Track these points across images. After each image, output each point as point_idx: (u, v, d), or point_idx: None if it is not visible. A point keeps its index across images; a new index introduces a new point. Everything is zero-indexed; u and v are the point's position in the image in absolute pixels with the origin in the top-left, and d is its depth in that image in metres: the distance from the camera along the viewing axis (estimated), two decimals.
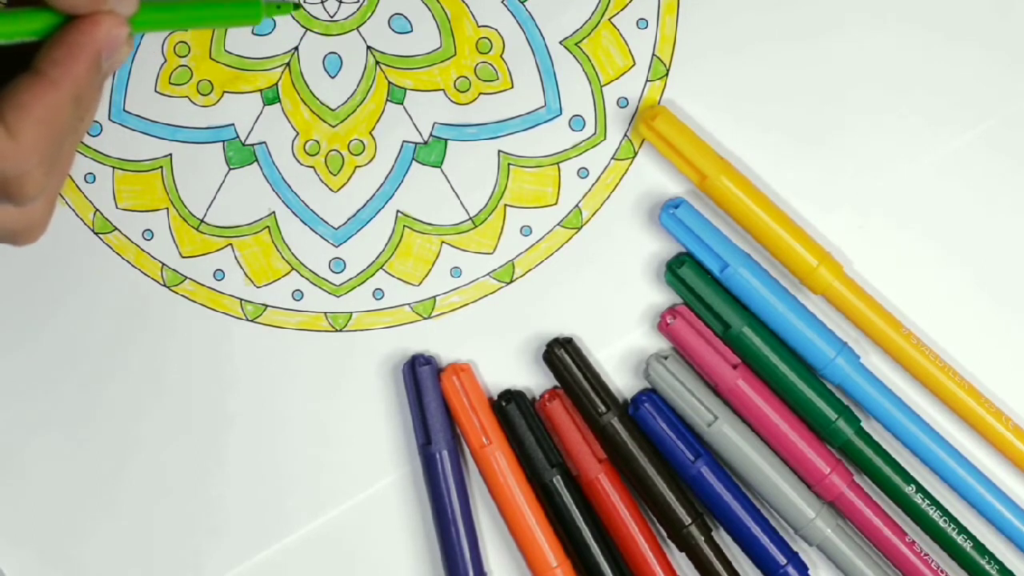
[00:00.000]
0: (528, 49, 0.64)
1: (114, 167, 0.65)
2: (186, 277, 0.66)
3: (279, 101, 0.65)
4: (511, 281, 0.65)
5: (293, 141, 0.65)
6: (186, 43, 0.65)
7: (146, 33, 0.63)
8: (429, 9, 0.64)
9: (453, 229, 0.65)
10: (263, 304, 0.66)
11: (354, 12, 0.64)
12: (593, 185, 0.65)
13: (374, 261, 0.65)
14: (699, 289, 0.63)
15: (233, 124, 0.65)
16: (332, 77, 0.65)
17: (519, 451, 0.64)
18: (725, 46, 0.64)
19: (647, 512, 0.65)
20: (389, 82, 0.65)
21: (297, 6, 0.63)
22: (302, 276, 0.66)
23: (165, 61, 0.65)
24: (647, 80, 0.64)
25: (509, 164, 0.65)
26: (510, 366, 0.65)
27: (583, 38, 0.64)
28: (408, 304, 0.65)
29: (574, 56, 0.64)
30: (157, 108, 0.65)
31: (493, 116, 0.64)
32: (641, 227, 0.65)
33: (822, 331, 0.63)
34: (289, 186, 0.65)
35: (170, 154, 0.65)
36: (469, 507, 0.65)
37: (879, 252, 0.64)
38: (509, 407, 0.64)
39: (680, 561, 0.65)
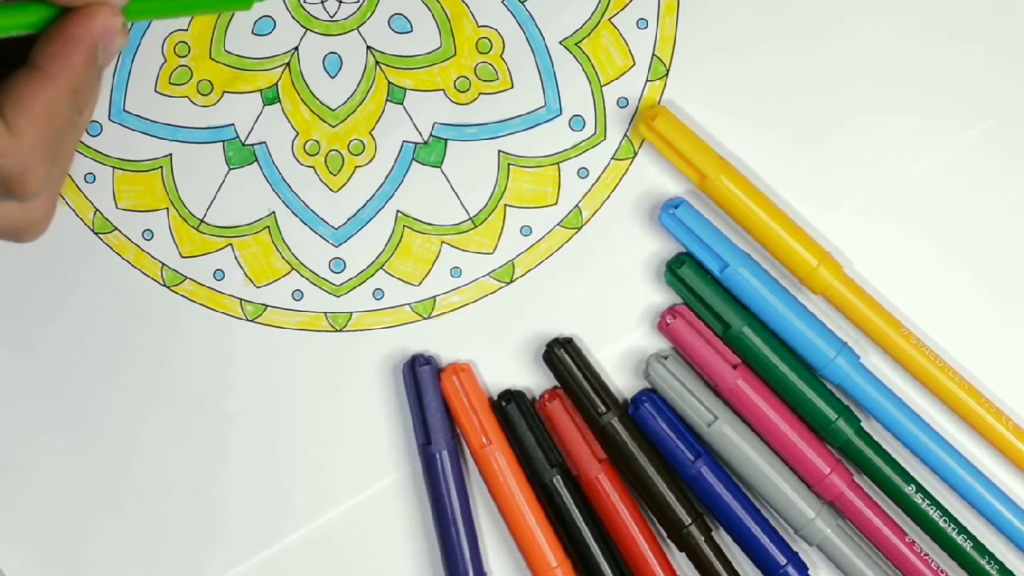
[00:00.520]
0: (528, 49, 0.64)
1: (114, 167, 0.65)
2: (186, 277, 0.66)
3: (279, 101, 0.65)
4: (511, 281, 0.65)
5: (293, 141, 0.65)
6: (186, 43, 0.65)
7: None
8: (429, 9, 0.64)
9: (453, 229, 0.65)
10: (263, 304, 0.66)
11: (354, 12, 0.64)
12: (593, 185, 0.65)
13: (374, 261, 0.65)
14: (699, 289, 0.63)
15: (233, 124, 0.65)
16: (332, 77, 0.65)
17: (519, 451, 0.64)
18: (725, 46, 0.64)
19: (647, 512, 0.65)
20: (389, 82, 0.65)
21: None
22: (302, 276, 0.66)
23: (165, 61, 0.65)
24: (647, 80, 0.64)
25: (509, 164, 0.65)
26: (510, 366, 0.65)
27: (583, 38, 0.64)
28: (408, 304, 0.65)
29: (574, 56, 0.64)
30: (157, 108, 0.65)
31: (493, 116, 0.64)
32: (641, 227, 0.64)
33: (822, 331, 0.63)
34: (289, 186, 0.65)
35: (170, 154, 0.65)
36: (469, 507, 0.65)
37: (879, 252, 0.64)
38: (509, 407, 0.64)
39: (680, 561, 0.65)
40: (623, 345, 0.65)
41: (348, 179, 0.65)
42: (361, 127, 0.65)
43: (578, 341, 0.65)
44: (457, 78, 0.64)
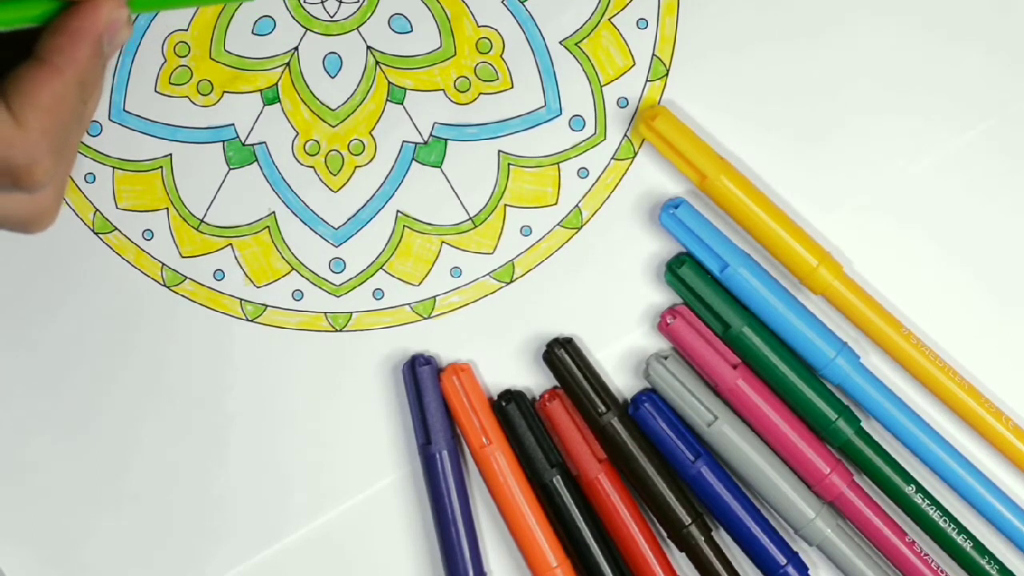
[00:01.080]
0: (528, 49, 0.64)
1: (114, 167, 0.65)
2: (186, 277, 0.66)
3: (279, 101, 0.65)
4: (511, 281, 0.65)
5: (293, 141, 0.65)
6: (186, 43, 0.65)
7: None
8: (429, 9, 0.64)
9: (453, 229, 0.65)
10: (263, 304, 0.66)
11: (354, 12, 0.64)
12: (593, 185, 0.65)
13: (374, 261, 0.65)
14: (699, 289, 0.63)
15: (233, 124, 0.65)
16: (332, 77, 0.65)
17: (519, 451, 0.64)
18: (725, 46, 0.64)
19: (647, 512, 0.65)
20: (389, 82, 0.65)
21: None
22: (302, 276, 0.66)
23: (165, 61, 0.65)
24: (647, 80, 0.64)
25: (509, 164, 0.65)
26: (510, 366, 0.65)
27: (583, 38, 0.64)
28: (408, 304, 0.65)
29: (574, 56, 0.64)
30: (157, 108, 0.65)
31: (493, 116, 0.64)
32: (641, 227, 0.65)
33: (822, 331, 0.63)
34: (289, 186, 0.65)
35: (170, 154, 0.65)
36: (469, 507, 0.65)
37: (879, 252, 0.64)
38: (509, 407, 0.64)
39: (680, 561, 0.65)
40: (623, 345, 0.65)
41: (348, 179, 0.65)
42: (361, 127, 0.65)
43: (578, 341, 0.65)
44: (457, 78, 0.64)
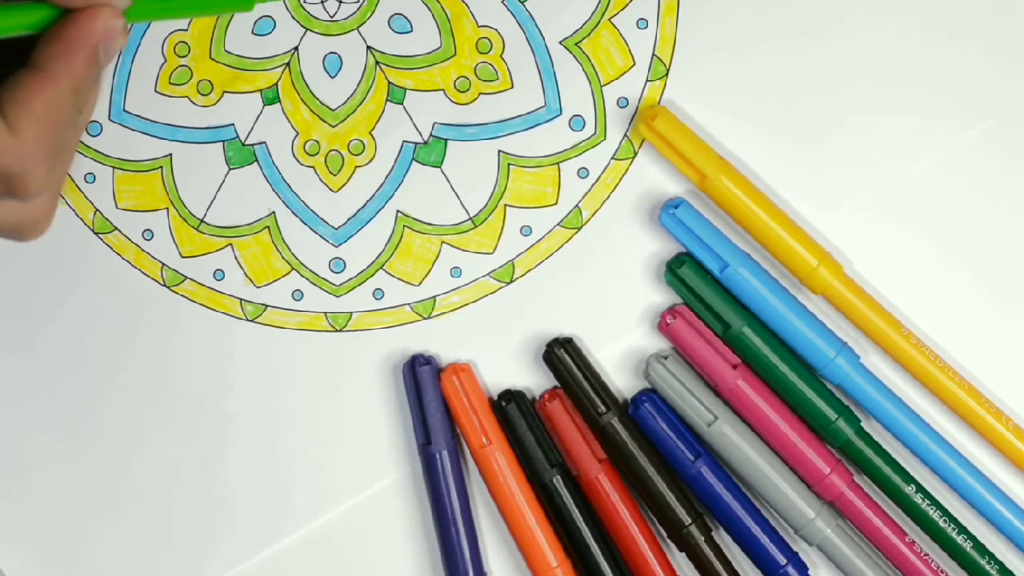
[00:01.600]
0: (528, 49, 0.64)
1: (114, 167, 0.65)
2: (186, 277, 0.66)
3: (279, 101, 0.65)
4: (511, 281, 0.65)
5: (293, 141, 0.65)
6: (186, 43, 0.65)
7: (140, 23, 0.62)
8: (429, 9, 0.64)
9: (453, 229, 0.65)
10: (263, 304, 0.66)
11: (354, 12, 0.64)
12: (593, 185, 0.65)
13: (374, 261, 0.65)
14: (699, 289, 0.63)
15: (233, 124, 0.65)
16: (332, 77, 0.65)
17: (519, 451, 0.64)
18: (725, 46, 0.64)
19: (647, 512, 0.65)
20: (389, 82, 0.65)
21: None
22: (302, 276, 0.66)
23: (165, 61, 0.65)
24: (647, 80, 0.64)
25: (509, 164, 0.65)
26: (510, 366, 0.65)
27: (583, 38, 0.64)
28: (408, 304, 0.65)
29: (574, 56, 0.64)
30: (157, 108, 0.65)
31: (493, 116, 0.64)
32: (641, 227, 0.65)
33: (822, 331, 0.63)
34: (289, 186, 0.65)
35: (170, 154, 0.65)
36: (469, 507, 0.65)
37: (879, 252, 0.64)
38: (509, 407, 0.64)
39: (680, 561, 0.65)
40: (623, 345, 0.65)
41: (348, 179, 0.65)
42: (361, 127, 0.65)
43: (578, 341, 0.65)
44: (457, 78, 0.64)
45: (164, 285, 0.66)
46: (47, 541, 0.67)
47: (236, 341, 0.66)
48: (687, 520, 0.63)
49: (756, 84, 0.64)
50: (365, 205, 0.65)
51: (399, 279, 0.65)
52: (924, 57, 0.64)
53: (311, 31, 0.65)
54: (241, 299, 0.66)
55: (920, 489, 0.64)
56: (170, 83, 0.65)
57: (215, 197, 0.65)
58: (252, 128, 0.65)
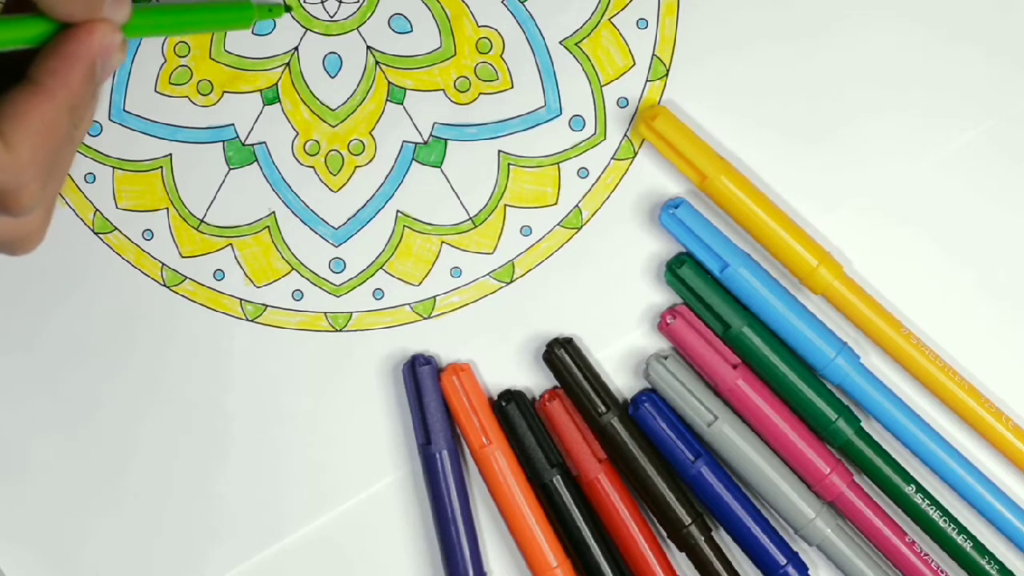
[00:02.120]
0: (528, 49, 0.64)
1: (114, 167, 0.65)
2: (186, 277, 0.66)
3: (279, 101, 0.65)
4: (511, 281, 0.65)
5: (293, 141, 0.65)
6: (186, 43, 0.65)
7: (139, 38, 0.63)
8: (429, 9, 0.64)
9: (453, 229, 0.65)
10: (263, 304, 0.66)
11: (354, 12, 0.64)
12: (593, 185, 0.65)
13: (374, 261, 0.65)
14: (699, 289, 0.63)
15: (233, 124, 0.65)
16: (332, 77, 0.65)
17: (519, 451, 0.64)
18: (725, 46, 0.64)
19: (647, 512, 0.65)
20: (389, 82, 0.65)
21: (288, 9, 0.63)
22: (302, 276, 0.66)
23: (165, 61, 0.65)
24: (647, 80, 0.64)
25: (509, 164, 0.65)
26: (510, 366, 0.65)
27: (583, 38, 0.64)
28: (408, 304, 0.65)
29: (574, 56, 0.64)
30: (157, 108, 0.65)
31: (493, 116, 0.64)
32: (641, 227, 0.65)
33: (822, 331, 0.63)
34: (289, 186, 0.65)
35: (170, 154, 0.65)
36: (469, 507, 0.65)
37: (879, 252, 0.64)
38: (509, 407, 0.64)
39: (680, 561, 0.65)
40: (623, 345, 0.65)
41: (348, 179, 0.65)
42: (361, 127, 0.65)
43: (578, 341, 0.65)
44: (457, 78, 0.64)
45: (164, 285, 0.66)
46: (46, 541, 0.67)
47: (236, 341, 0.66)
48: (687, 520, 0.63)
49: (756, 84, 0.64)
50: (365, 205, 0.65)
51: (399, 279, 0.65)
52: (925, 57, 0.64)
53: (311, 31, 0.65)
54: (241, 299, 0.66)
55: (920, 489, 0.64)
56: (170, 83, 0.65)
57: (215, 197, 0.65)
58: (252, 128, 0.65)
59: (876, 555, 0.64)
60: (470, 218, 0.65)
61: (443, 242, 0.65)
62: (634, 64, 0.64)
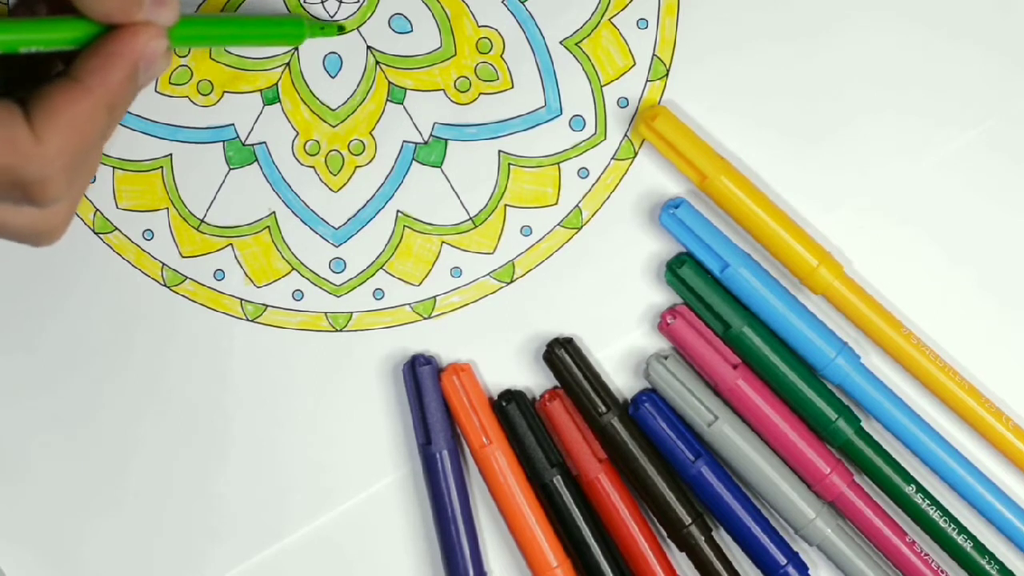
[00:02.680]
0: (528, 49, 0.64)
1: (114, 167, 0.65)
2: (186, 277, 0.66)
3: (279, 101, 0.65)
4: (511, 281, 0.65)
5: (293, 141, 0.65)
6: None
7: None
8: (429, 9, 0.64)
9: (453, 229, 0.65)
10: (263, 304, 0.66)
11: (354, 12, 0.64)
12: (593, 185, 0.65)
13: (374, 261, 0.65)
14: (699, 289, 0.63)
15: (233, 124, 0.65)
16: (332, 77, 0.65)
17: (519, 451, 0.64)
18: (725, 46, 0.64)
19: (647, 512, 0.65)
20: (389, 82, 0.65)
21: (342, 29, 0.63)
22: (302, 276, 0.66)
23: None
24: (647, 80, 0.64)
25: (509, 164, 0.65)
26: (510, 366, 0.65)
27: (583, 38, 0.64)
28: (408, 304, 0.65)
29: (574, 56, 0.64)
30: (157, 108, 0.65)
31: (493, 116, 0.64)
32: (641, 227, 0.65)
33: (822, 331, 0.63)
34: (289, 186, 0.65)
35: (170, 154, 0.65)
36: (469, 507, 0.65)
37: (879, 252, 0.64)
38: (509, 407, 0.64)
39: (680, 561, 0.65)
40: (623, 345, 0.65)
41: (348, 179, 0.65)
42: (361, 127, 0.65)
43: (578, 341, 0.65)
44: (457, 78, 0.64)
45: (164, 285, 0.66)
46: (46, 541, 0.67)
47: (236, 341, 0.66)
48: (687, 520, 0.63)
49: (756, 84, 0.64)
50: (365, 205, 0.65)
51: (399, 279, 0.65)
52: (924, 57, 0.64)
53: None
54: (241, 299, 0.66)
55: (920, 489, 0.64)
56: (170, 83, 0.65)
57: (215, 197, 0.65)
58: (252, 128, 0.65)
59: (876, 555, 0.64)
60: (470, 218, 0.65)
61: (443, 242, 0.65)
62: (634, 64, 0.64)
